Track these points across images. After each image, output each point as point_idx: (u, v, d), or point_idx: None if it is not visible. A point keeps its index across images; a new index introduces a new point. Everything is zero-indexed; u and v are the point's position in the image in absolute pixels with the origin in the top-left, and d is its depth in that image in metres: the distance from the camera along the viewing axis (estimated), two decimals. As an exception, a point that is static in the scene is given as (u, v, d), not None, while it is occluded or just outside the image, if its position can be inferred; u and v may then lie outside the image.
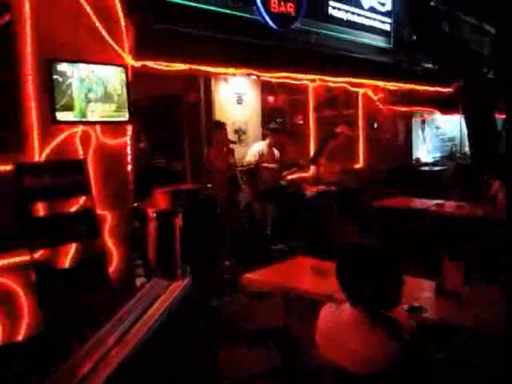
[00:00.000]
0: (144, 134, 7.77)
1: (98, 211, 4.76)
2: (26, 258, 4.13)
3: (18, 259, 4.22)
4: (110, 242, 4.94)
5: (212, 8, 6.97)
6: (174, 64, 5.59)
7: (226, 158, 6.91)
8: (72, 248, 4.59)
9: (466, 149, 12.65)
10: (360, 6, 10.12)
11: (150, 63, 5.30)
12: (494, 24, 10.87)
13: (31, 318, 4.33)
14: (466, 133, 11.54)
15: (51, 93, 4.47)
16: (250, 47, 7.17)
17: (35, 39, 4.40)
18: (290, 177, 8.30)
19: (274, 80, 7.92)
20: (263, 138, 8.27)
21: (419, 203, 7.37)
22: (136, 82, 5.40)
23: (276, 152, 7.86)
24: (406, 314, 3.01)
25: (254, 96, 8.66)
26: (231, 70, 6.89)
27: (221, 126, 7.12)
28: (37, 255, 4.20)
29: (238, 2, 7.46)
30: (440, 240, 5.84)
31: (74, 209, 4.61)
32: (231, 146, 6.99)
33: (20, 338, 4.30)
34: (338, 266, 2.33)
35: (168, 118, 8.93)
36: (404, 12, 10.87)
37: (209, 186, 7.21)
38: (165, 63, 5.49)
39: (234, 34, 7.00)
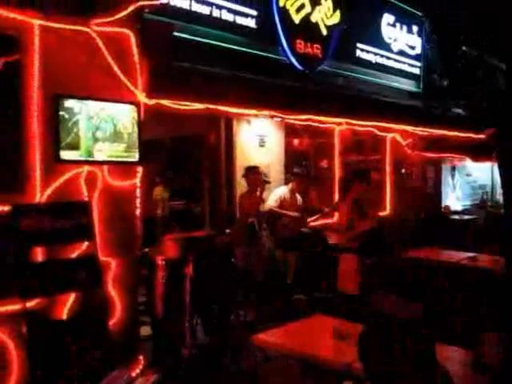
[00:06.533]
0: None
1: (102, 258, 4.40)
2: (18, 306, 3.78)
3: (9, 308, 3.86)
4: (113, 292, 4.55)
5: (234, 47, 6.77)
6: (189, 103, 5.27)
7: (257, 202, 6.75)
8: (71, 298, 4.22)
9: (498, 197, 12.13)
10: (389, 49, 9.89)
11: (164, 102, 4.99)
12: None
13: (21, 373, 3.94)
14: (498, 180, 11.07)
15: (56, 130, 4.18)
16: (273, 88, 6.91)
17: (43, 74, 4.15)
18: (313, 224, 7.89)
19: (298, 123, 7.61)
20: (286, 183, 7.93)
21: (450, 255, 6.96)
22: (155, 121, 5.14)
23: (299, 198, 7.50)
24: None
25: (277, 139, 8.36)
26: (253, 111, 6.61)
27: (254, 169, 6.98)
28: (30, 304, 3.84)
29: (262, 41, 7.27)
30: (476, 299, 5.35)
31: (75, 254, 4.25)
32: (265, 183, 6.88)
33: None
34: (361, 341, 1.91)
35: (188, 159, 8.71)
36: (435, 56, 10.61)
37: (227, 231, 6.90)
38: (180, 102, 5.18)
39: (257, 73, 6.75)
